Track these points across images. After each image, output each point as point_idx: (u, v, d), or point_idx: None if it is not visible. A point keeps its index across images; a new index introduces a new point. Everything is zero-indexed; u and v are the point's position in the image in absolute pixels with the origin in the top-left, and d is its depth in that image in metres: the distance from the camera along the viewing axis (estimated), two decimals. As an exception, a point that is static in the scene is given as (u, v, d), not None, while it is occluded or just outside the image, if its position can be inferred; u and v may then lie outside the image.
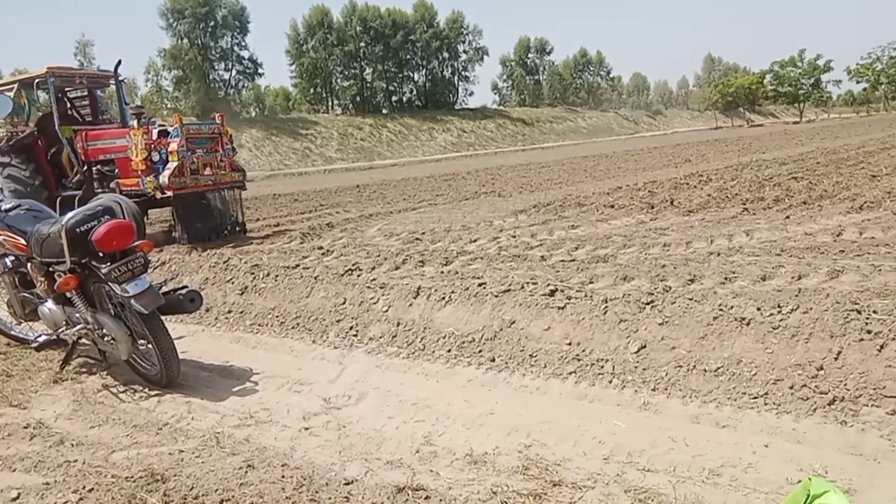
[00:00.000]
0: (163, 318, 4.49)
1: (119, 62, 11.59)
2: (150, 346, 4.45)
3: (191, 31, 51.33)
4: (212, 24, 52.30)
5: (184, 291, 4.57)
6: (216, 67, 54.23)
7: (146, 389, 4.55)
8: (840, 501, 1.84)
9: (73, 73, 11.82)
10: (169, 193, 10.21)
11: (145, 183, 10.31)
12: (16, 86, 11.23)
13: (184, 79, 51.68)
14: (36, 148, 11.43)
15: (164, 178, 10.11)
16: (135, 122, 11.52)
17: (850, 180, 11.67)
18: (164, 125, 10.85)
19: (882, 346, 3.44)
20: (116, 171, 10.95)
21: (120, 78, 12.00)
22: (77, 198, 10.74)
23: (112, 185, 10.93)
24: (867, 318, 3.60)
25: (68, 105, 12.13)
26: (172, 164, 10.19)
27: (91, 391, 4.55)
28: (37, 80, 11.20)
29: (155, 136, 10.34)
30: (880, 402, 3.27)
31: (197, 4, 50.36)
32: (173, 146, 10.26)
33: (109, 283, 4.33)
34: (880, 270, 5.42)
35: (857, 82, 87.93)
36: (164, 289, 4.61)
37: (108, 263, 4.27)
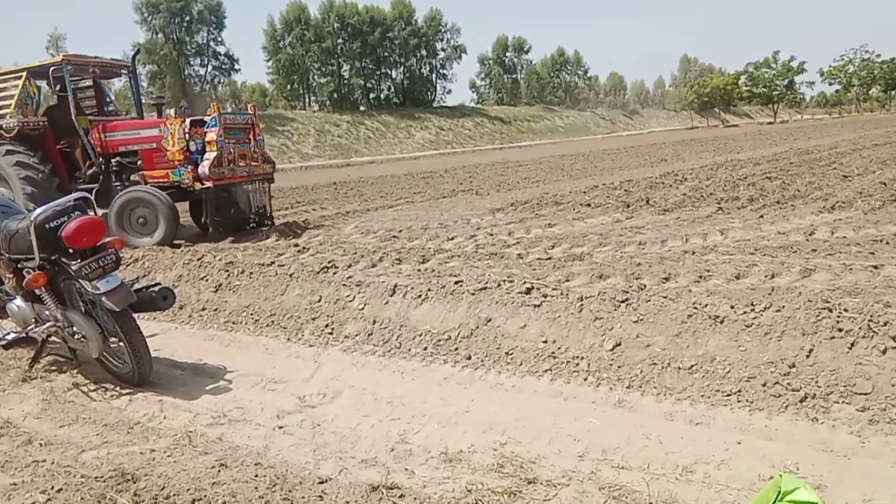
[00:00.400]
0: (135, 315, 4.42)
1: (137, 51, 11.31)
2: (121, 343, 4.39)
3: (166, 26, 50.78)
4: (187, 18, 51.78)
5: (156, 288, 4.51)
6: (192, 63, 53.77)
7: (117, 388, 4.49)
8: (810, 498, 1.85)
9: (88, 61, 11.43)
10: (209, 184, 9.98)
11: (182, 174, 10.12)
12: (24, 74, 10.79)
13: (159, 74, 51.12)
14: (46, 139, 11.03)
15: (203, 168, 9.90)
16: (154, 113, 11.39)
17: (823, 180, 11.83)
18: (195, 116, 10.63)
19: (852, 344, 3.49)
20: (139, 163, 10.67)
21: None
22: (94, 192, 10.41)
23: (133, 177, 10.68)
24: (838, 317, 3.64)
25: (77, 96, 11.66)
26: (211, 155, 9.99)
27: (61, 390, 4.48)
28: (52, 68, 10.74)
29: (188, 126, 10.19)
30: (850, 399, 3.31)
31: (172, -1, 49.87)
32: (211, 136, 10.06)
33: (80, 280, 4.26)
34: (851, 269, 5.49)
35: (830, 84, 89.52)
36: (137, 286, 4.54)
37: (79, 260, 4.20)
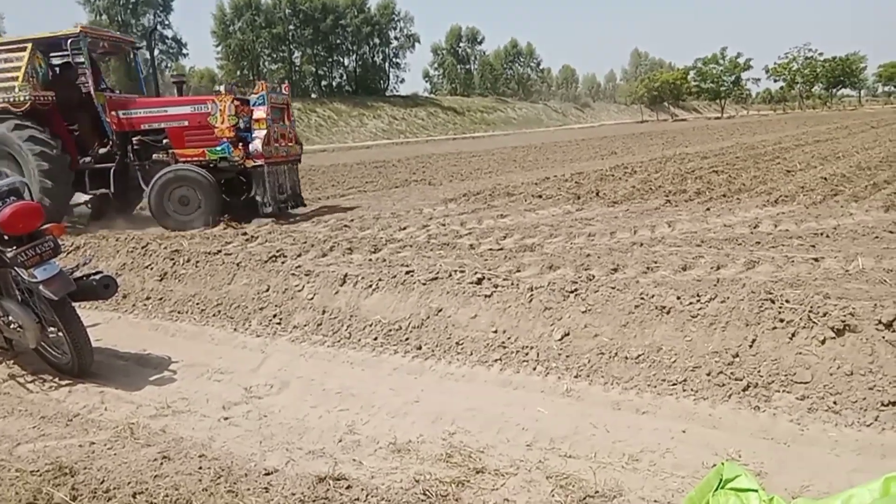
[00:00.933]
0: (75, 304, 4.29)
1: (154, 28, 10.97)
2: (60, 333, 4.25)
3: (110, 8, 49.27)
4: (133, 0, 50.31)
5: (97, 277, 4.37)
6: (138, 46, 52.27)
7: (56, 379, 4.35)
8: (751, 485, 1.89)
9: (101, 34, 11.04)
10: (260, 162, 9.91)
11: (225, 151, 9.99)
12: (29, 45, 10.18)
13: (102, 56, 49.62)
14: (53, 115, 10.51)
15: (256, 146, 9.84)
16: (175, 91, 11.49)
17: (767, 175, 12.12)
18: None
19: (793, 335, 3.58)
20: (165, 141, 10.35)
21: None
22: (111, 171, 10.28)
23: (156, 156, 10.35)
24: (780, 308, 3.73)
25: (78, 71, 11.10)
26: (262, 132, 9.93)
27: (-5, 381, 4.32)
28: (70, 40, 10.26)
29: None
30: (791, 387, 3.39)
31: (118, -20, 48.42)
32: (260, 114, 10.03)
33: (16, 268, 4.11)
34: (793, 262, 5.64)
35: (775, 81, 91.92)
36: (77, 274, 4.39)
37: (14, 247, 4.05)
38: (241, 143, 9.99)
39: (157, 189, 9.89)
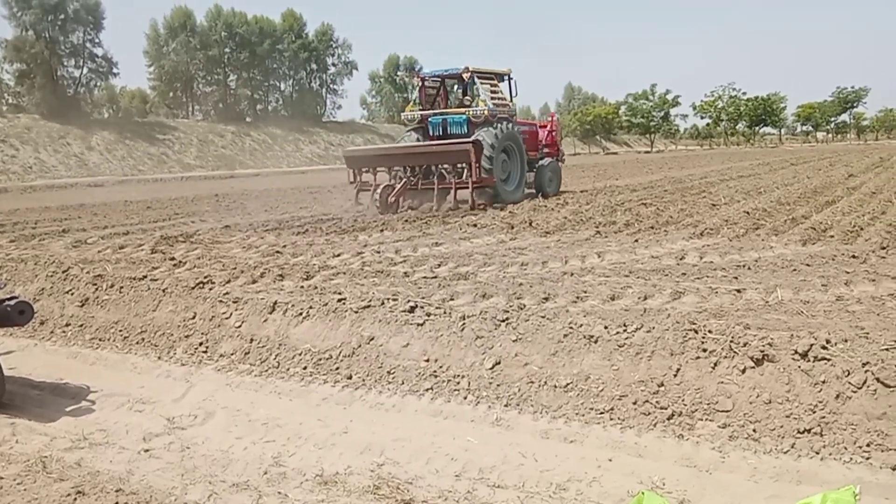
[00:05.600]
0: (-14, 331, 4.09)
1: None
2: (-31, 362, 4.04)
3: (37, 23, 47.57)
4: (62, 16, 48.79)
5: (12, 303, 4.20)
6: (65, 63, 50.50)
7: (-37, 410, 4.13)
8: (672, 513, 1.92)
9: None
10: (565, 163, 18.99)
11: (543, 153, 17.53)
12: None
13: (27, 73, 47.85)
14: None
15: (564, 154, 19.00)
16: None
17: (693, 208, 12.52)
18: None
19: (716, 364, 3.67)
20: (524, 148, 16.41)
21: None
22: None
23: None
24: (703, 338, 3.83)
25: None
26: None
27: None
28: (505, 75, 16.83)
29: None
30: (713, 416, 3.48)
31: (46, -6, 46.89)
32: (554, 135, 18.28)
33: (-78, 292, 3.90)
34: (717, 293, 5.81)
35: (702, 117, 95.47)
36: (-11, 299, 4.21)
37: (-78, 270, 3.86)
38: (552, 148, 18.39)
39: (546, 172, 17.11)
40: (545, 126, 18.12)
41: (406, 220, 12.24)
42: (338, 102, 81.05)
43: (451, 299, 5.75)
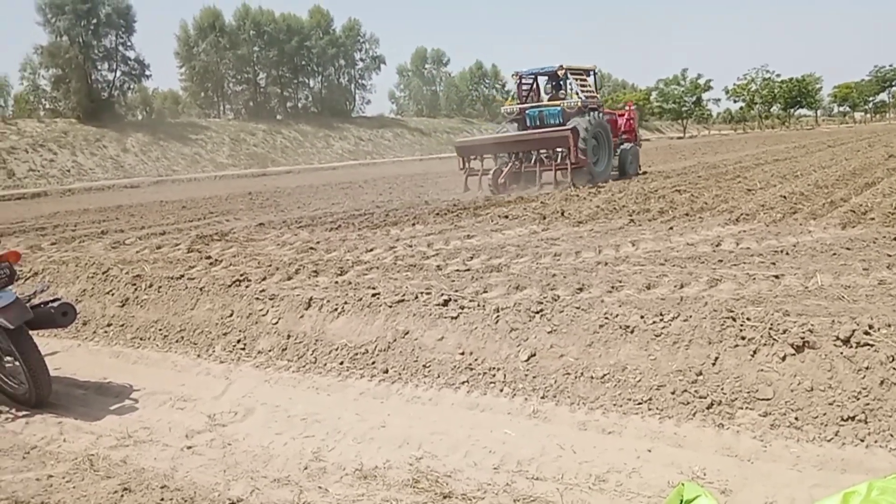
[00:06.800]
0: (32, 333, 4.19)
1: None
2: (17, 363, 4.15)
3: (71, 29, 48.39)
4: (94, 21, 49.58)
5: (55, 304, 4.29)
6: (99, 67, 51.29)
7: (13, 410, 4.25)
8: (712, 505, 1.90)
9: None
10: (641, 147, 20.58)
11: (623, 140, 19.11)
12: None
13: (63, 78, 48.76)
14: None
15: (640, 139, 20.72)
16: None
17: (728, 193, 12.34)
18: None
19: (755, 352, 3.63)
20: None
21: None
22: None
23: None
24: (742, 325, 3.78)
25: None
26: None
27: (-52, 414, 4.19)
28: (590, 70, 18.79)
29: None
30: (753, 404, 3.43)
31: (78, 0, 47.66)
32: (632, 122, 19.81)
33: (-30, 297, 4.01)
34: (754, 279, 5.73)
35: (735, 101, 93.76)
36: (34, 302, 4.31)
37: (-32, 276, 3.96)
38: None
39: (629, 154, 18.91)
40: (623, 115, 20.03)
41: (437, 213, 12.25)
42: (367, 97, 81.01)
43: (485, 292, 5.74)
